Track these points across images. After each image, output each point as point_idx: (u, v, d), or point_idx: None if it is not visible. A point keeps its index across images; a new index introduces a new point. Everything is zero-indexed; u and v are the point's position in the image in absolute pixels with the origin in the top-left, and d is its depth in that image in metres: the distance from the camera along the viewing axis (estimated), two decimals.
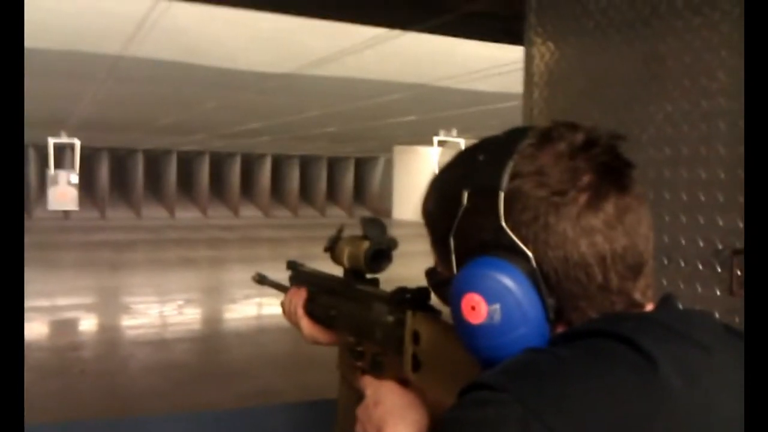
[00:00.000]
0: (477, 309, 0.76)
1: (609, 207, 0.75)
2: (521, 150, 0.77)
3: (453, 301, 0.79)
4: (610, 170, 0.76)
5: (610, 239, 0.75)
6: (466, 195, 0.79)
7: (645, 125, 1.98)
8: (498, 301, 0.75)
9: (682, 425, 0.67)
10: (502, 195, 0.75)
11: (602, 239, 0.74)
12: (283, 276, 1.42)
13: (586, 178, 0.75)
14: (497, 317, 0.75)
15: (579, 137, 0.77)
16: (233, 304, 8.69)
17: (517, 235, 0.75)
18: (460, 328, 0.79)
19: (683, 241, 1.86)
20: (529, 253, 0.75)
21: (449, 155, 0.92)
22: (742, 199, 1.72)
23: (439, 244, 0.84)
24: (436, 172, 0.90)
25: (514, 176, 0.76)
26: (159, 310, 8.41)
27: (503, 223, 0.75)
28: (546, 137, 0.78)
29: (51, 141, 14.18)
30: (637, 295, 0.78)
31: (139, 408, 4.58)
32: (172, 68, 6.60)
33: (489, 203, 0.76)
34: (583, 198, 0.74)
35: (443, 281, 0.84)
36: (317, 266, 1.36)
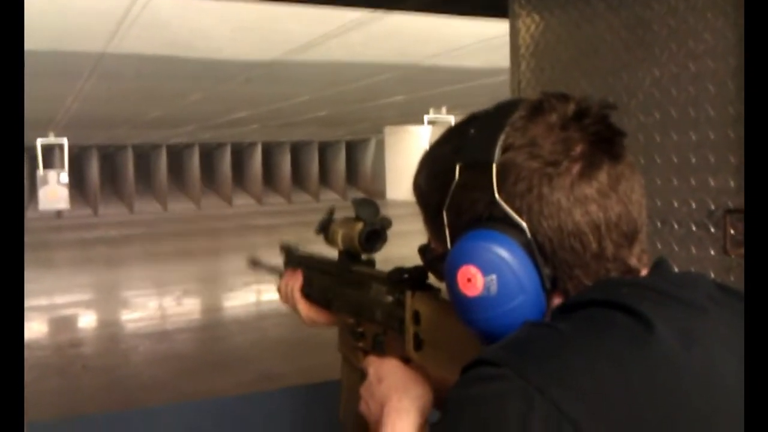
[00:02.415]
0: (473, 281, 0.76)
1: (602, 176, 0.75)
2: (513, 122, 0.77)
3: (449, 274, 0.79)
4: (602, 139, 0.76)
5: (604, 208, 0.75)
6: (458, 169, 0.79)
7: (633, 91, 1.98)
8: (494, 272, 0.75)
9: (684, 388, 0.68)
10: (495, 168, 0.75)
11: (596, 208, 0.75)
12: (279, 262, 1.41)
13: (578, 148, 0.75)
14: (494, 288, 0.76)
15: (570, 107, 0.77)
16: (232, 292, 8.71)
17: (511, 207, 0.75)
18: (457, 301, 0.79)
19: (676, 204, 1.87)
20: (524, 224, 0.75)
21: (440, 133, 0.92)
22: (733, 160, 1.73)
23: (432, 220, 0.84)
24: (427, 148, 0.90)
25: (506, 149, 0.76)
26: (158, 302, 8.42)
27: (497, 196, 0.75)
28: (537, 109, 0.78)
29: (39, 141, 14.10)
30: (633, 261, 0.78)
31: (143, 400, 4.59)
32: (156, 62, 6.56)
33: (482, 176, 0.76)
34: (576, 168, 0.74)
35: (438, 257, 0.84)
36: (313, 250, 1.35)
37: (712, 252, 1.78)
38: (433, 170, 0.85)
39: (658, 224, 1.87)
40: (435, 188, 0.83)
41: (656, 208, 1.86)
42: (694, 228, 1.83)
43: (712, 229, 1.78)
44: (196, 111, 11.65)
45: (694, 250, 1.83)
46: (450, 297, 0.81)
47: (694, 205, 1.83)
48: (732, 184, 1.73)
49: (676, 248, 1.85)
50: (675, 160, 1.87)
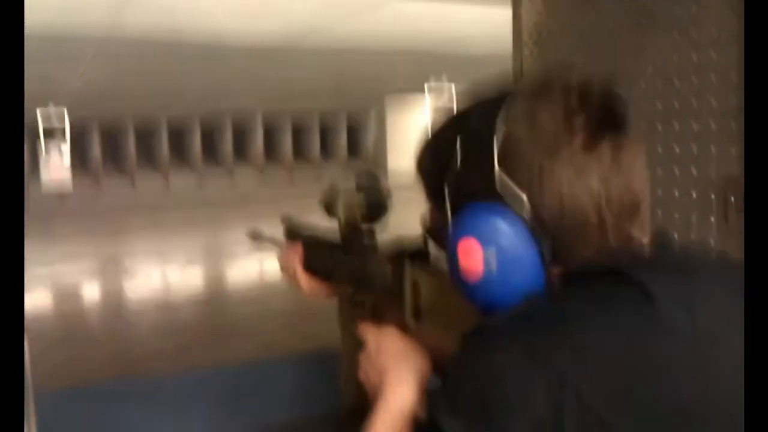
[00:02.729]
0: (472, 255, 0.77)
1: (604, 148, 0.74)
2: (515, 95, 0.77)
3: (448, 247, 0.80)
4: (605, 112, 0.76)
5: (605, 181, 0.74)
6: (459, 142, 0.79)
7: (636, 80, 1.96)
8: (493, 246, 0.76)
9: (684, 355, 0.69)
10: (495, 141, 0.76)
11: (597, 181, 0.74)
12: (280, 235, 1.41)
13: (580, 121, 0.74)
14: (493, 262, 0.76)
15: (573, 79, 0.77)
16: (234, 263, 8.69)
17: (511, 181, 0.75)
18: (456, 274, 0.80)
19: (676, 194, 1.88)
20: (524, 198, 0.75)
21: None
22: (733, 150, 1.73)
23: (433, 192, 0.85)
24: (430, 131, 0.89)
25: (507, 122, 0.76)
26: (161, 274, 8.43)
27: (497, 169, 0.75)
28: (540, 81, 0.78)
29: (40, 116, 14.04)
30: (634, 234, 0.78)
31: (147, 370, 4.59)
32: (158, 46, 6.50)
33: (482, 150, 0.76)
34: (577, 141, 0.74)
35: (439, 229, 0.85)
36: (314, 222, 1.37)
37: (713, 220, 1.78)
38: (435, 148, 0.85)
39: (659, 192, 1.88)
40: (437, 161, 0.83)
41: (657, 177, 1.86)
42: (694, 197, 1.84)
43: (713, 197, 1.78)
44: (196, 94, 11.53)
45: (694, 218, 1.83)
46: (450, 270, 0.81)
47: (695, 173, 1.84)
48: (733, 175, 1.74)
49: (677, 216, 1.86)
50: (677, 149, 1.87)
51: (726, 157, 1.75)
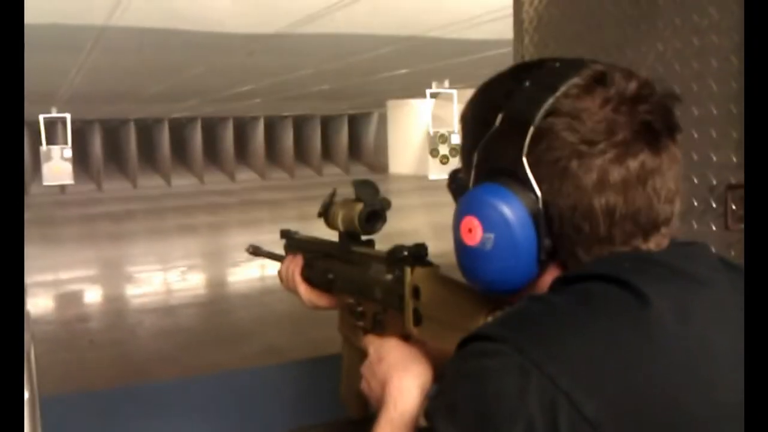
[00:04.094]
0: (473, 233, 0.79)
1: (634, 166, 0.73)
2: (567, 87, 0.75)
3: (456, 217, 0.82)
4: (649, 130, 0.74)
5: (624, 198, 0.74)
6: (500, 117, 0.79)
7: (637, 66, 1.94)
8: (493, 231, 0.77)
9: (678, 362, 0.68)
10: (531, 130, 0.75)
11: (615, 196, 0.74)
12: (279, 248, 1.43)
13: (620, 135, 0.73)
14: (489, 245, 0.77)
15: (630, 88, 0.75)
16: (236, 268, 8.73)
17: (533, 172, 0.75)
18: (455, 243, 0.82)
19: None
20: (539, 193, 0.75)
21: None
22: (735, 135, 1.73)
23: (466, 153, 0.85)
24: (490, 78, 0.87)
25: (549, 113, 0.74)
26: (163, 278, 8.45)
27: (524, 157, 0.75)
28: (597, 81, 0.76)
29: (41, 117, 14.07)
30: (645, 247, 0.77)
31: (149, 374, 4.64)
32: (158, 35, 6.52)
33: (518, 132, 0.76)
34: (610, 154, 0.73)
35: (462, 187, 0.85)
36: (315, 227, 1.37)
37: (714, 227, 1.78)
38: (480, 107, 0.85)
39: None
40: (476, 125, 0.83)
41: None
42: (695, 203, 1.84)
43: (714, 205, 1.79)
44: (198, 84, 11.58)
45: (695, 225, 1.83)
46: (453, 237, 0.83)
47: (695, 181, 1.84)
48: (734, 159, 1.73)
49: (677, 223, 1.86)
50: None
51: (727, 143, 1.74)
